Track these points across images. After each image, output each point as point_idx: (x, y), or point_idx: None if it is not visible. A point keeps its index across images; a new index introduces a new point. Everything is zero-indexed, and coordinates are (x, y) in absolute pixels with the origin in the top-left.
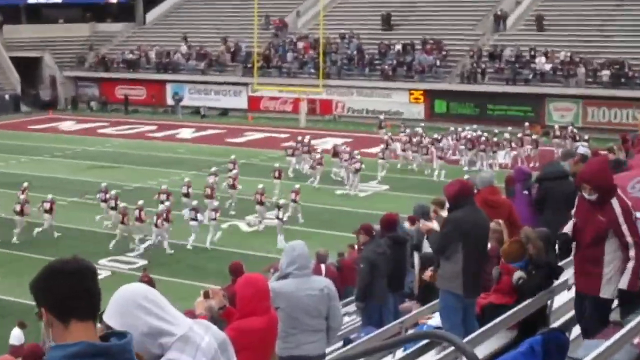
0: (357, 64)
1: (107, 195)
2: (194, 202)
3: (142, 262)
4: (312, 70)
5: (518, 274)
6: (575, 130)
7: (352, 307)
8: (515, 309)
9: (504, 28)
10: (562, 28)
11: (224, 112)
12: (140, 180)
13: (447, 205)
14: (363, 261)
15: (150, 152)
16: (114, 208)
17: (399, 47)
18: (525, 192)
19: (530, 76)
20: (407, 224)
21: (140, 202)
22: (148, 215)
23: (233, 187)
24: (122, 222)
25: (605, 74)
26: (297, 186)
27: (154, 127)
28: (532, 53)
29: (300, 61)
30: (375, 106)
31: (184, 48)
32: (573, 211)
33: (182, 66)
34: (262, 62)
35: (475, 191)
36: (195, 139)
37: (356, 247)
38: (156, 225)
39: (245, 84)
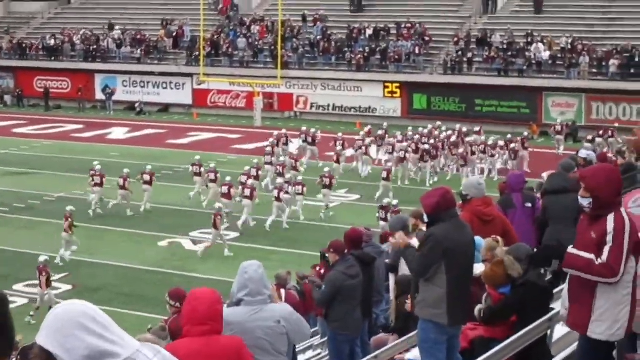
0: (322, 51)
1: None
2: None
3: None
4: (269, 59)
5: (478, 307)
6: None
7: (317, 340)
8: (508, 341)
9: (495, 10)
10: (563, 10)
11: (164, 108)
12: (64, 188)
13: (426, 219)
14: (326, 284)
15: (76, 155)
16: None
17: (370, 31)
18: (529, 204)
19: (525, 66)
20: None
21: (69, 208)
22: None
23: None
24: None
25: (613, 63)
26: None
27: (80, 126)
28: (528, 39)
29: (254, 48)
30: (343, 101)
31: (116, 32)
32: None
33: (113, 54)
34: (210, 49)
35: (459, 202)
36: (130, 140)
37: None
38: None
39: (190, 75)
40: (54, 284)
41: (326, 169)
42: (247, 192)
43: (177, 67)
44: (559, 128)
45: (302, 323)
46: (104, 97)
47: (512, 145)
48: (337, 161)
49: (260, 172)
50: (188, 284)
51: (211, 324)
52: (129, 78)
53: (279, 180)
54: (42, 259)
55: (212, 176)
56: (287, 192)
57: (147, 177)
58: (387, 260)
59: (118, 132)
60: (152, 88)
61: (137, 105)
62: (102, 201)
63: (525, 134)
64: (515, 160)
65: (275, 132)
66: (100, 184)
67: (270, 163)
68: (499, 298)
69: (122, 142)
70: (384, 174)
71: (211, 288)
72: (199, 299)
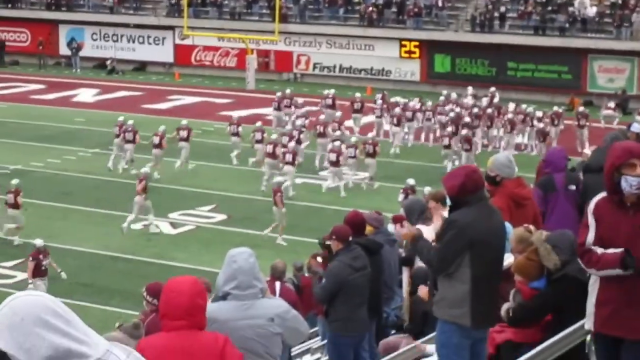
0: (327, 2)
1: None
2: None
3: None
4: (265, 11)
5: (505, 306)
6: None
7: (317, 342)
8: (541, 346)
9: None
10: None
11: (141, 66)
12: (21, 160)
13: (448, 202)
14: (327, 277)
15: (36, 121)
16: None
17: None
18: (572, 187)
19: (568, 24)
20: (391, 226)
21: (15, 181)
22: None
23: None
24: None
25: None
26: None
27: (41, 87)
28: None
29: None
30: (352, 62)
31: None
32: (589, 215)
33: (81, 1)
34: None
35: (488, 182)
36: (100, 103)
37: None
38: None
39: (171, 28)
40: (3, 272)
41: (370, 134)
42: (289, 156)
43: (156, 18)
44: (611, 104)
45: (299, 321)
46: (69, 53)
47: (538, 124)
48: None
49: (302, 135)
50: (164, 274)
51: (190, 318)
52: (99, 30)
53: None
54: (38, 242)
55: (258, 136)
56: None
57: (183, 133)
58: (400, 250)
59: (86, 94)
60: (126, 43)
61: (108, 62)
62: (133, 162)
63: (558, 108)
64: (543, 142)
65: (278, 94)
66: (133, 141)
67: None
68: (530, 294)
69: (90, 106)
70: (370, 149)
71: (193, 276)
72: (176, 290)
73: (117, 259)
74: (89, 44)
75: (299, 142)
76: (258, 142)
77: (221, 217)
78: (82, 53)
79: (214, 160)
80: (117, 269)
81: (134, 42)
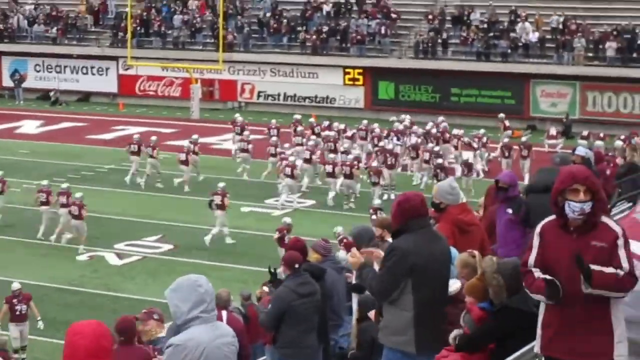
0: (271, 31)
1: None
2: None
3: None
4: (209, 40)
5: (454, 333)
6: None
7: None
8: None
9: None
10: None
11: (85, 96)
12: None
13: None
14: (273, 302)
15: None
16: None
17: (329, 7)
18: (509, 210)
19: (510, 49)
20: (341, 252)
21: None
22: None
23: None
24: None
25: (611, 46)
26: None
27: None
28: (513, 17)
29: (191, 27)
30: (296, 90)
31: (27, 7)
32: (535, 236)
33: (24, 32)
34: (139, 26)
35: (433, 209)
36: (44, 135)
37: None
38: None
39: (115, 58)
40: None
41: (350, 156)
42: (288, 170)
43: (99, 48)
44: (553, 131)
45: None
46: (12, 84)
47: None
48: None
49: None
50: (112, 305)
51: None
52: (42, 62)
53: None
54: (14, 285)
55: (182, 156)
56: None
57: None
58: (349, 277)
59: (29, 126)
60: (69, 73)
61: (52, 93)
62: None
63: (506, 140)
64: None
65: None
66: (137, 153)
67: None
68: (480, 315)
69: (33, 138)
70: (347, 170)
71: (96, 320)
72: (80, 333)
73: (63, 291)
74: (32, 75)
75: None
76: (182, 162)
77: (167, 246)
78: (25, 84)
79: (159, 189)
80: (64, 301)
81: (77, 72)
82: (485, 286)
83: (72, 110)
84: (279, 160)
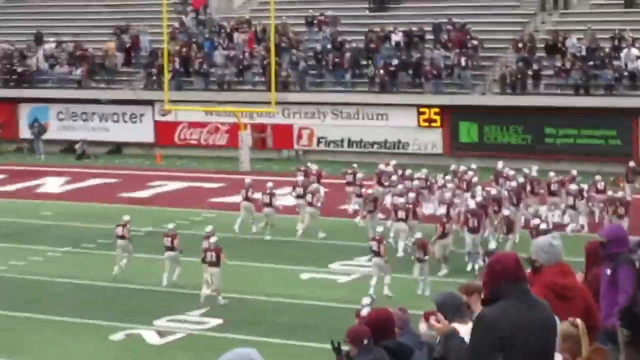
0: (332, 66)
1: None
2: None
3: None
4: (259, 79)
5: None
6: None
7: None
8: None
9: (568, 3)
10: None
11: (116, 148)
12: None
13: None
14: None
15: None
16: None
17: (398, 37)
18: (607, 270)
19: (614, 80)
20: (423, 325)
21: None
22: None
23: None
24: None
25: None
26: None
27: (0, 176)
28: (616, 42)
29: (239, 64)
30: (362, 134)
31: (47, 45)
32: None
33: (44, 75)
34: (177, 65)
35: (531, 270)
36: (69, 194)
37: None
38: None
39: (150, 103)
40: None
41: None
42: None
43: (132, 91)
44: None
45: None
46: (31, 136)
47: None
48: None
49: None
50: None
51: None
52: (65, 108)
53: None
54: None
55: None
56: None
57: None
58: (435, 354)
59: (52, 184)
60: (98, 122)
61: (77, 145)
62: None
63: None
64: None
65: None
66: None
67: None
68: None
69: (58, 197)
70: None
71: None
72: None
73: None
74: (55, 125)
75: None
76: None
77: (216, 321)
78: (46, 135)
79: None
80: None
81: (106, 120)
82: None
83: (102, 165)
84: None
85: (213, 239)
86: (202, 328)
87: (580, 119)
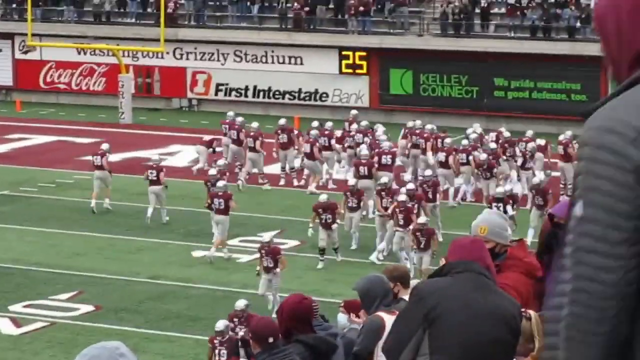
0: None
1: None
2: None
3: None
4: (145, 10)
5: None
6: None
7: None
8: None
9: None
10: None
11: None
12: None
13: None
14: None
15: None
16: None
17: None
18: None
19: (579, 22)
20: (342, 316)
21: None
22: None
23: None
24: None
25: None
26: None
27: None
28: None
29: None
30: (271, 82)
31: None
32: None
33: None
34: None
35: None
36: None
37: None
38: None
39: (9, 36)
40: None
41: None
42: None
43: None
44: None
45: None
46: None
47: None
48: None
49: None
50: None
51: None
52: None
53: None
54: None
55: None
56: None
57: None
58: (355, 347)
59: None
60: None
61: None
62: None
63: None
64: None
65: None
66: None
67: None
68: None
69: None
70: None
71: None
72: None
73: None
74: None
75: None
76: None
77: (87, 307)
78: None
79: (75, 226)
80: None
81: None
82: None
83: None
84: None
85: (220, 183)
86: (70, 316)
87: (538, 68)
